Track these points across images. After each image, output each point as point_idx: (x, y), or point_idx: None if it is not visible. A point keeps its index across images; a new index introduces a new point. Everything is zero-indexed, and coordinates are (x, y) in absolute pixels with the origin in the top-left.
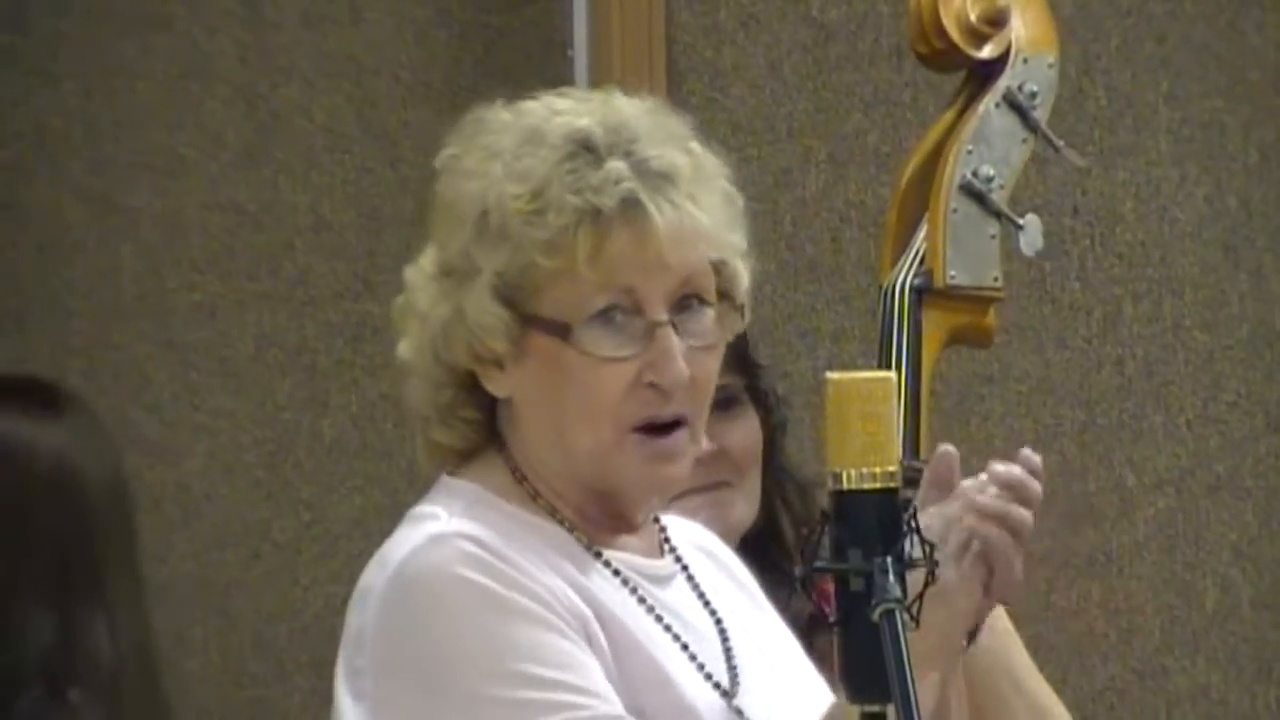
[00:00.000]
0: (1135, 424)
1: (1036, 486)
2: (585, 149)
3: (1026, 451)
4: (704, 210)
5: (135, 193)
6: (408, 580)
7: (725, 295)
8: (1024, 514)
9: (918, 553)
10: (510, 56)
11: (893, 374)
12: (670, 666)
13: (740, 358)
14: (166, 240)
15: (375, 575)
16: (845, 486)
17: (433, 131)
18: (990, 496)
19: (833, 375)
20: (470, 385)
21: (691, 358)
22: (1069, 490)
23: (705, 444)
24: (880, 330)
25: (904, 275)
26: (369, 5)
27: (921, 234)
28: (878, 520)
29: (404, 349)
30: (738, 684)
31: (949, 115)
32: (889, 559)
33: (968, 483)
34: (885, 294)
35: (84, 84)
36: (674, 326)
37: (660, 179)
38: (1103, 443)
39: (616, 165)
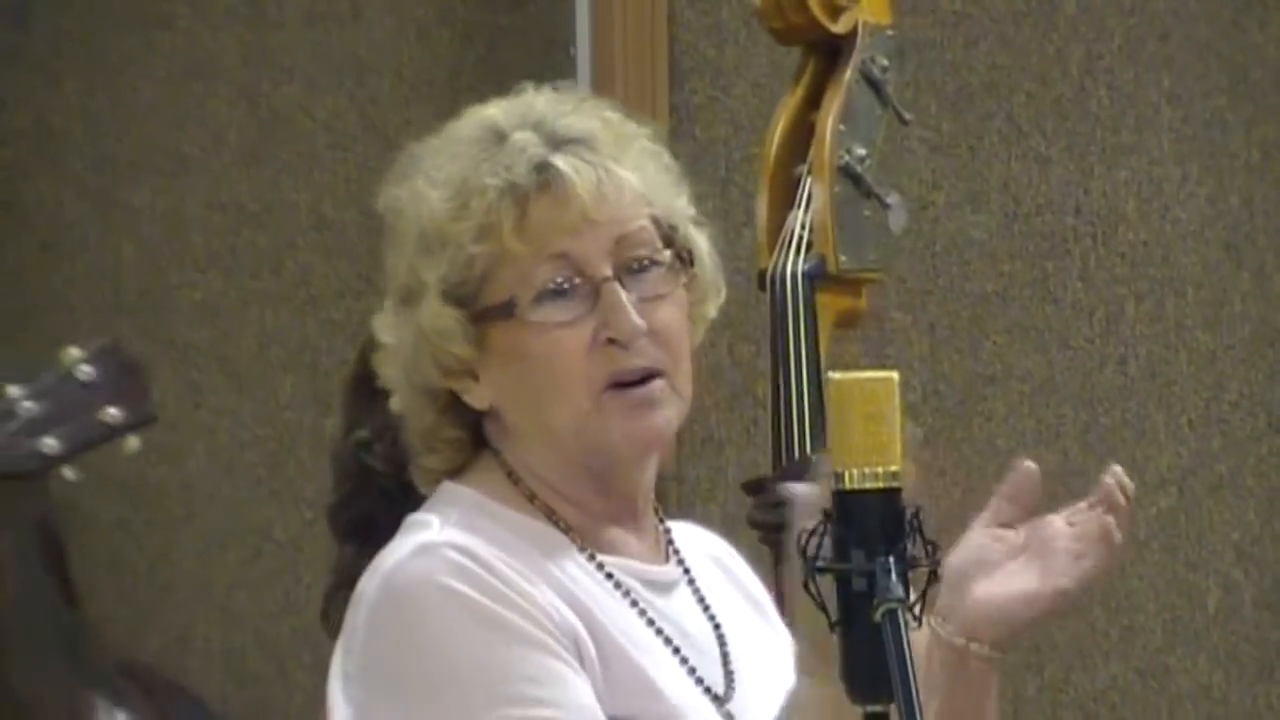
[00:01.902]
0: (1137, 424)
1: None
2: (493, 133)
3: (1115, 472)
4: (630, 170)
5: (137, 191)
6: (395, 590)
7: (677, 256)
8: (1116, 539)
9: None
10: (512, 55)
11: (894, 374)
12: (661, 675)
13: None
14: (168, 238)
15: (368, 581)
16: (847, 486)
17: (434, 130)
18: (1105, 529)
19: (835, 375)
20: (449, 406)
21: (645, 310)
22: (1071, 490)
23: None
24: (771, 318)
25: (789, 261)
26: (370, 4)
27: (796, 216)
28: (880, 520)
29: (394, 402)
30: (733, 691)
31: (798, 93)
32: (891, 558)
33: (1052, 520)
34: (773, 281)
35: (86, 82)
36: (620, 282)
37: (573, 143)
38: (1105, 443)
39: (523, 136)
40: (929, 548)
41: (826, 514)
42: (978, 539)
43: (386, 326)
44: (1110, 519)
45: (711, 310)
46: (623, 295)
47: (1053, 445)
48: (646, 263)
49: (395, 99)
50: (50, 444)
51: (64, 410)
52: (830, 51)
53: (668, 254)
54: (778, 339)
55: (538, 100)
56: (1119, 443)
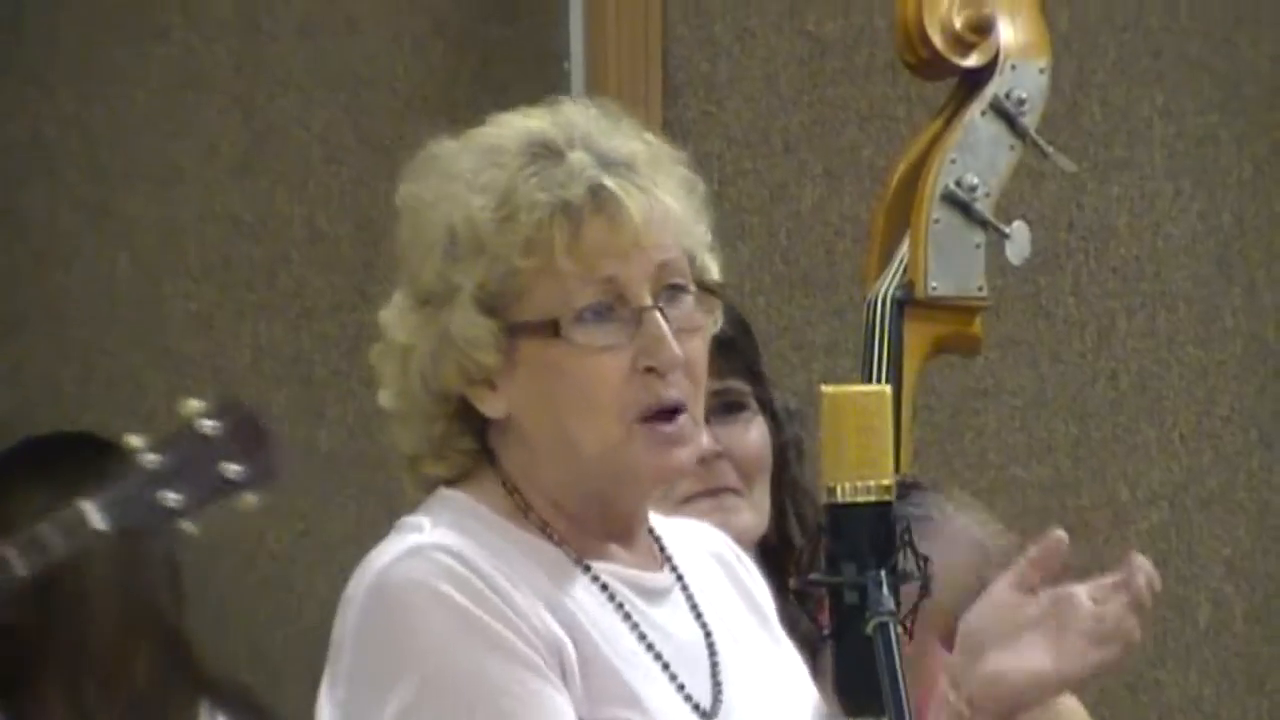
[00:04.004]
0: (1129, 438)
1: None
2: (545, 149)
3: (1143, 566)
4: (669, 195)
5: (131, 201)
6: (383, 591)
7: (702, 286)
8: (1133, 635)
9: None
10: (506, 69)
11: (887, 388)
12: (644, 687)
13: (748, 365)
14: (163, 249)
15: (357, 583)
16: (839, 499)
17: (429, 142)
18: (1127, 615)
19: (827, 389)
20: (461, 414)
21: (680, 341)
22: (1062, 504)
23: (708, 442)
24: (864, 342)
25: (886, 286)
26: (365, 16)
27: (903, 246)
28: (872, 533)
29: (385, 397)
30: (719, 704)
31: (937, 124)
32: (883, 572)
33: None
34: (868, 305)
35: (80, 92)
36: (660, 312)
37: (623, 166)
38: (1096, 457)
39: (579, 156)
40: (920, 561)
41: (819, 527)
42: (999, 600)
43: (401, 325)
44: (1134, 620)
45: (713, 326)
46: (664, 325)
47: (1044, 460)
48: (682, 287)
49: (390, 112)
50: (173, 499)
51: (187, 465)
52: (974, 85)
53: (698, 290)
54: (865, 362)
55: (576, 115)
56: (1110, 457)
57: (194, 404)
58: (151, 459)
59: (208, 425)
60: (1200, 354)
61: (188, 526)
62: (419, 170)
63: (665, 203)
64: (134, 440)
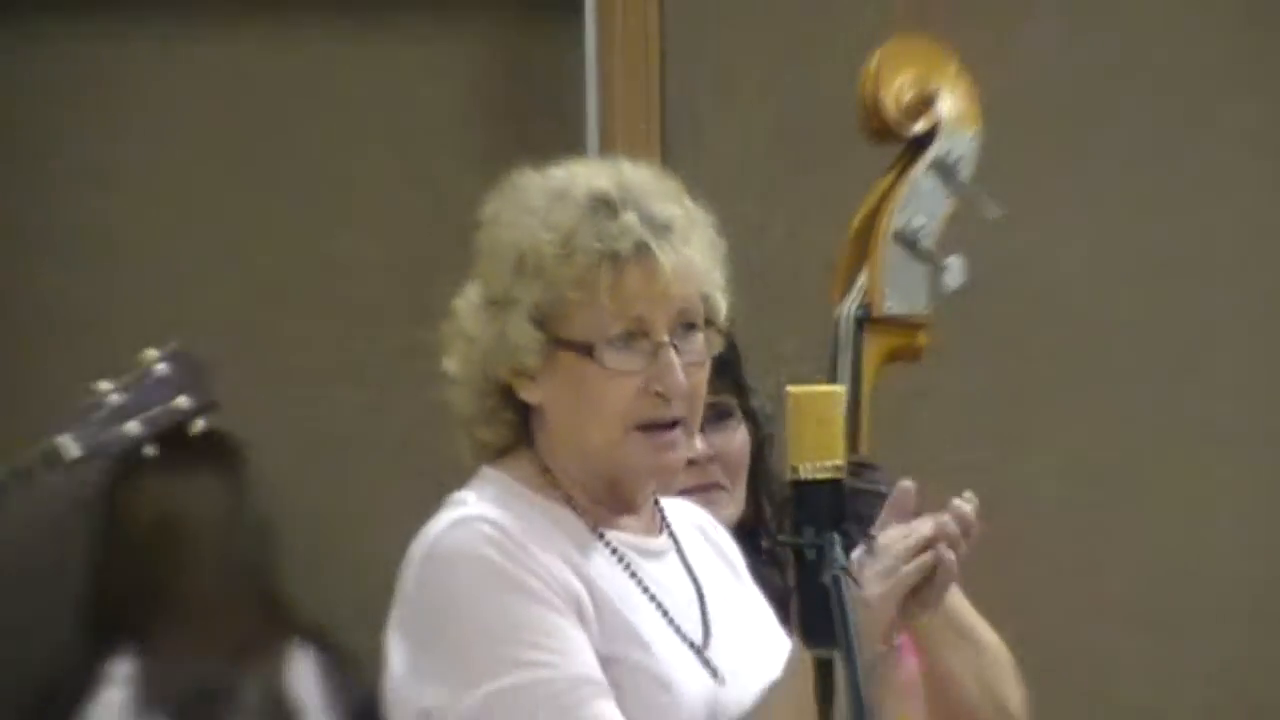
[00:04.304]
0: (1040, 430)
1: (973, 527)
2: (604, 204)
3: (968, 496)
4: (696, 252)
5: (216, 223)
6: (435, 555)
7: (709, 321)
8: (962, 550)
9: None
10: (536, 127)
11: (841, 388)
12: (647, 628)
13: (735, 379)
14: (264, 271)
15: (415, 547)
16: (801, 477)
17: (475, 189)
18: (949, 531)
19: (792, 389)
20: (507, 393)
21: (686, 371)
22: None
23: (701, 446)
24: (830, 352)
25: (849, 307)
26: (425, 91)
27: (862, 274)
28: (827, 504)
29: (450, 364)
30: (709, 639)
31: (889, 178)
32: (837, 535)
33: (924, 520)
34: (835, 322)
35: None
36: (674, 347)
37: (663, 229)
38: (1015, 445)
39: (630, 217)
40: (866, 526)
41: (785, 499)
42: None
43: (470, 316)
44: (945, 550)
45: (713, 355)
46: (675, 358)
47: (972, 447)
48: (694, 325)
49: (444, 164)
50: (132, 428)
51: (143, 400)
52: (919, 146)
53: (707, 328)
54: (832, 367)
55: (633, 178)
56: (1027, 446)
57: (150, 352)
58: (115, 397)
59: (159, 368)
60: (1099, 364)
61: (149, 450)
62: (504, 195)
63: (692, 258)
64: (101, 384)
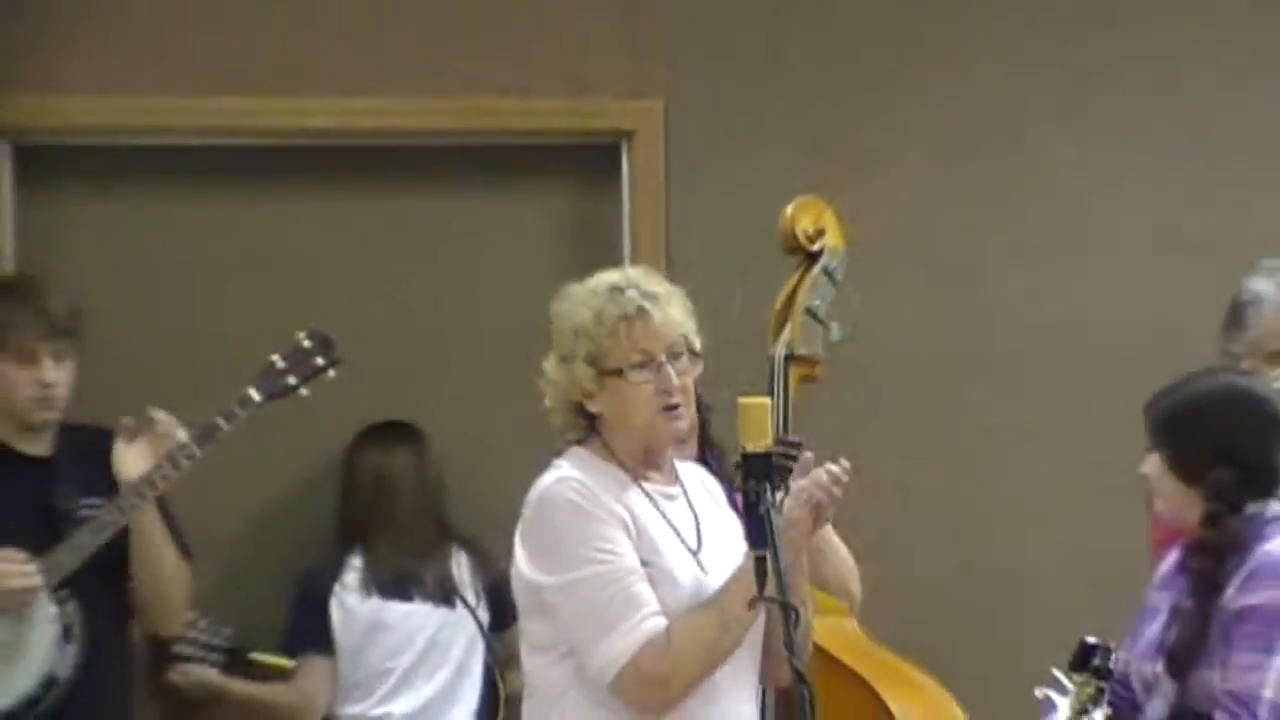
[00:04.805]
0: (925, 439)
1: (845, 479)
2: (617, 289)
3: (843, 462)
4: (675, 310)
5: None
6: (541, 499)
7: (690, 350)
8: (838, 492)
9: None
10: (587, 249)
11: (768, 399)
12: (664, 542)
13: (699, 399)
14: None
15: (532, 492)
16: (749, 451)
17: (544, 291)
18: (828, 480)
19: (741, 399)
20: (579, 408)
21: (680, 378)
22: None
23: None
24: (770, 377)
25: (779, 350)
26: (517, 231)
27: (786, 330)
28: (763, 467)
29: (547, 400)
30: (701, 547)
31: (798, 274)
32: (768, 485)
33: (816, 471)
34: (772, 360)
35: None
36: (670, 365)
37: (653, 297)
38: (897, 448)
39: (632, 293)
40: (785, 479)
41: (737, 465)
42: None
43: (552, 369)
44: (826, 488)
45: (698, 373)
46: (671, 372)
47: (875, 456)
48: (680, 353)
49: (523, 276)
50: (291, 380)
51: (296, 363)
52: (812, 259)
53: (690, 356)
54: (772, 386)
55: (633, 273)
56: (905, 454)
57: (299, 333)
58: (280, 362)
59: (305, 342)
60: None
61: (303, 393)
62: (562, 296)
63: (673, 314)
64: (274, 357)
